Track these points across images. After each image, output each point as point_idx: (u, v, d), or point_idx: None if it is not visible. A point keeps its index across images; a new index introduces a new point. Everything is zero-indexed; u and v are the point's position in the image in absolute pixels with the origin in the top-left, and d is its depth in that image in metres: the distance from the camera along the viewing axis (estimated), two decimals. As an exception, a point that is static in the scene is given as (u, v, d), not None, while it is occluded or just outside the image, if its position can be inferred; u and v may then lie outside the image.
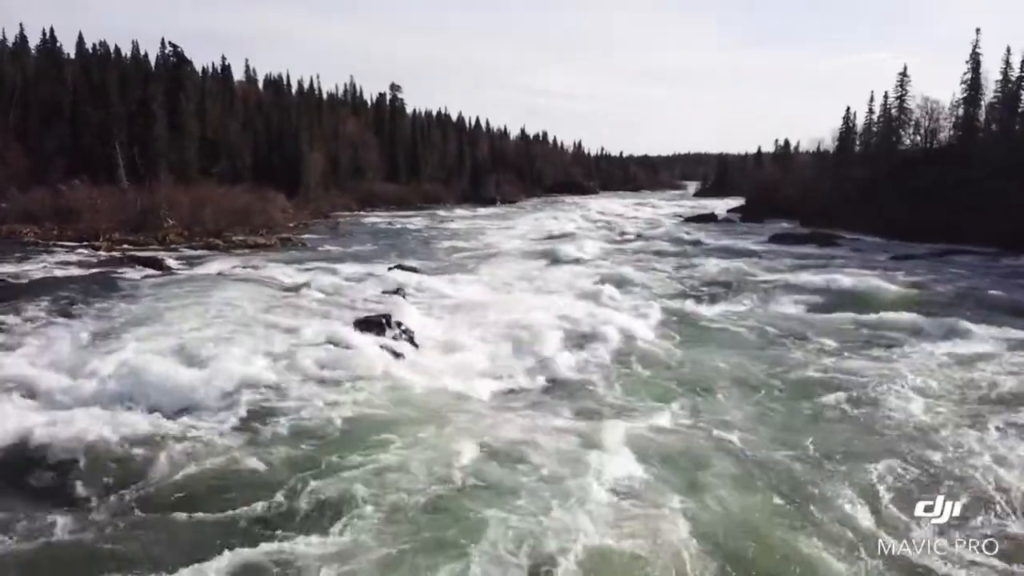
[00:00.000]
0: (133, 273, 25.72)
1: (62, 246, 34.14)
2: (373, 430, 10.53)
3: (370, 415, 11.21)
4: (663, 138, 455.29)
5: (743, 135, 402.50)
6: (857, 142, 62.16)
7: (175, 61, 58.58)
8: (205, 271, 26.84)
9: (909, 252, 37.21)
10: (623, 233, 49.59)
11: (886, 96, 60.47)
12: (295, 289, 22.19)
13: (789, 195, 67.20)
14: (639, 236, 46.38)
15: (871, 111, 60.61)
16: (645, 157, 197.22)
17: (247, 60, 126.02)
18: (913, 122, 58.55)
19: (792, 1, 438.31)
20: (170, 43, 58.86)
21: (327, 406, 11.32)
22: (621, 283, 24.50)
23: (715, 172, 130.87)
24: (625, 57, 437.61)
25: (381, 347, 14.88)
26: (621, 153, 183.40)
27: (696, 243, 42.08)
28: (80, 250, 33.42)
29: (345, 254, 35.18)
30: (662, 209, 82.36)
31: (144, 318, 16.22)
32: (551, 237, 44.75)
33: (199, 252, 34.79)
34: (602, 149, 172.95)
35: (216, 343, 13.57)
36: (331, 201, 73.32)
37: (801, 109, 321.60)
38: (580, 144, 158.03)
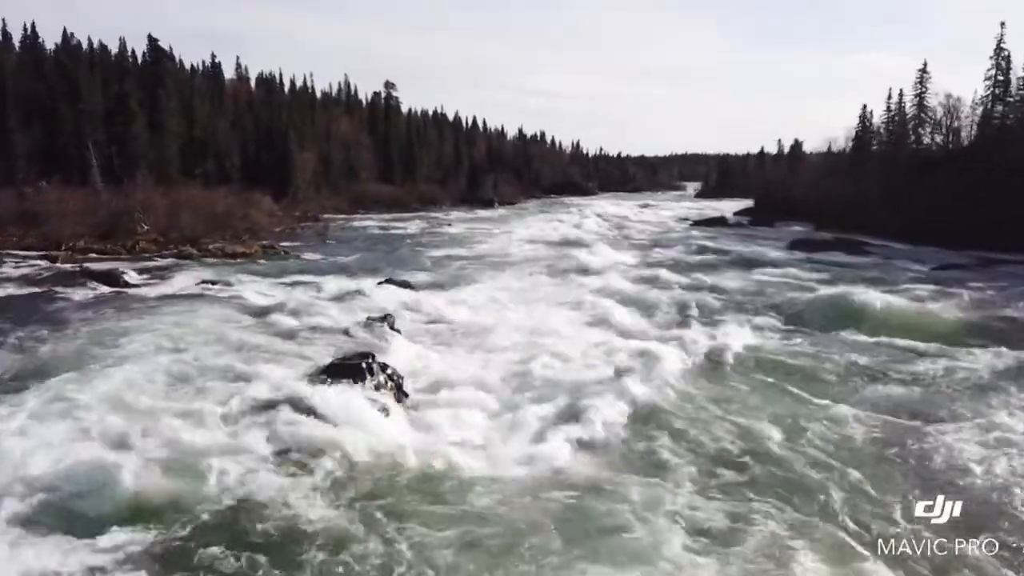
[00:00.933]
0: (82, 292, 22.09)
1: (15, 256, 30.49)
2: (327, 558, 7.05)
3: (325, 529, 7.73)
4: (660, 138, 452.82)
5: (742, 135, 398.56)
6: (874, 142, 58.71)
7: (154, 56, 54.66)
8: (166, 289, 23.26)
9: (948, 261, 33.89)
10: (633, 240, 46.10)
11: (901, 94, 57.15)
12: (264, 313, 18.67)
13: (800, 197, 63.86)
14: (652, 243, 42.87)
15: (889, 109, 57.18)
16: (642, 157, 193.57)
17: (238, 58, 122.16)
18: (933, 121, 55.17)
19: (791, 1, 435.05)
20: (149, 36, 55.00)
21: (258, 528, 7.80)
22: (646, 305, 20.99)
23: (716, 173, 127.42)
24: (623, 57, 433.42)
25: (359, 403, 11.40)
26: (619, 153, 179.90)
27: (714, 251, 38.57)
28: (36, 260, 29.79)
29: (330, 265, 31.62)
30: (667, 211, 78.87)
31: (56, 367, 12.66)
32: (557, 243, 41.23)
33: (169, 262, 31.18)
34: (600, 149, 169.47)
35: (132, 416, 10.01)
36: (322, 203, 69.73)
37: (801, 109, 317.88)
38: (578, 144, 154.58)
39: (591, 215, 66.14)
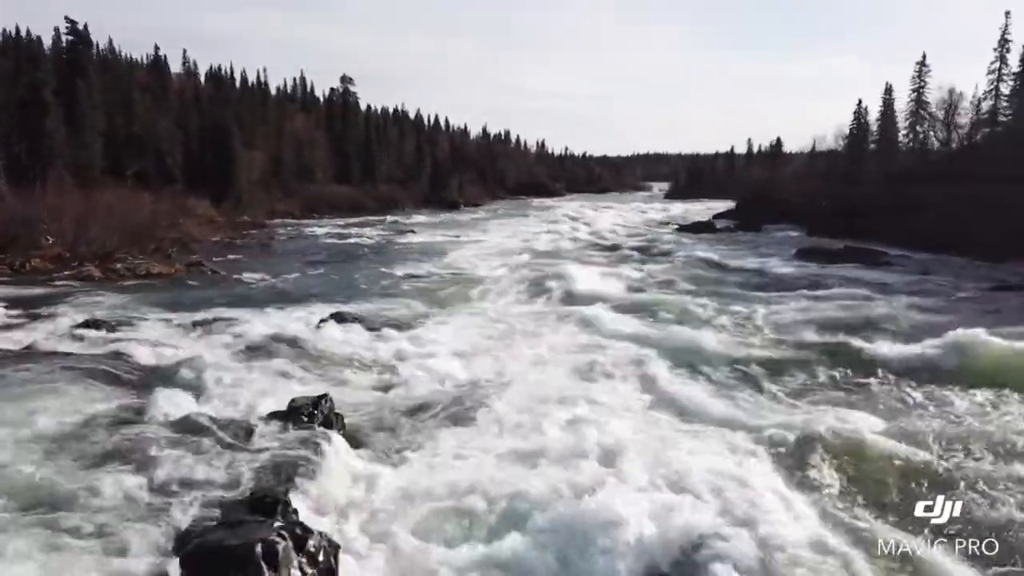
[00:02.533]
0: None
1: None
2: None
3: None
4: (621, 139, 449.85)
5: (703, 136, 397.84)
6: (869, 140, 54.09)
7: (72, 41, 47.30)
8: (22, 336, 16.79)
9: (993, 276, 28.91)
10: (617, 248, 40.48)
11: (889, 91, 52.63)
12: (138, 389, 12.43)
13: (789, 200, 59.14)
14: (643, 255, 37.19)
15: (885, 106, 52.56)
16: (605, 158, 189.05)
17: (185, 51, 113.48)
18: (933, 118, 50.73)
19: (753, 4, 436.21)
20: (66, 19, 47.55)
21: None
22: (680, 360, 15.15)
23: (686, 173, 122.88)
24: (584, 57, 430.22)
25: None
26: (584, 154, 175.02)
27: (714, 265, 33.08)
28: None
29: (266, 290, 25.28)
30: (643, 214, 73.58)
31: None
32: (537, 255, 35.37)
33: (61, 287, 24.51)
34: (566, 149, 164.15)
35: None
36: (272, 207, 62.99)
37: (764, 110, 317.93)
38: (543, 144, 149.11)
39: (565, 219, 60.55)
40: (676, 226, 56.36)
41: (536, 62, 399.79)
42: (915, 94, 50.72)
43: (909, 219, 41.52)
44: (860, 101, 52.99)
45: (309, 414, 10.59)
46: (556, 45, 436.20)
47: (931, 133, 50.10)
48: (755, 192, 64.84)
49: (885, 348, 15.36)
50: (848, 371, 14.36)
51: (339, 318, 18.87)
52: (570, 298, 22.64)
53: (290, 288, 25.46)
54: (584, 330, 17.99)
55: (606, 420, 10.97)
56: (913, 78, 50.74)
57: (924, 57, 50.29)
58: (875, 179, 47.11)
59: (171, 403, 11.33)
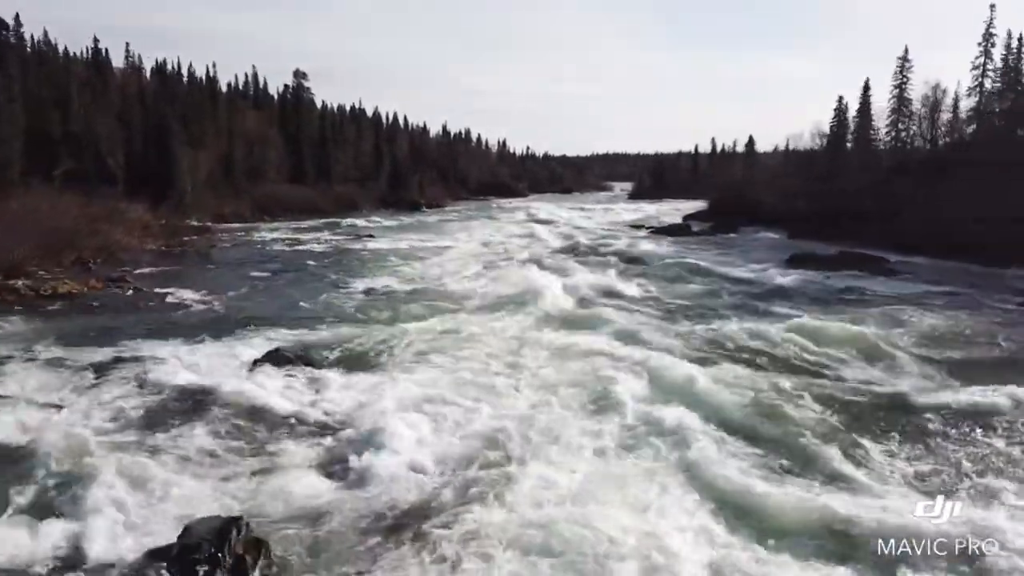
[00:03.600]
0: None
1: None
2: None
3: None
4: (579, 138, 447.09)
5: (660, 136, 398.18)
6: (849, 139, 51.50)
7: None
8: None
9: (1017, 287, 26.07)
10: (596, 252, 36.89)
11: (865, 89, 50.15)
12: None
13: (763, 200, 56.39)
14: (624, 260, 33.70)
15: (864, 103, 49.99)
16: (564, 157, 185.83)
17: (127, 44, 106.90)
18: (916, 115, 48.35)
19: (710, 6, 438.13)
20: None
21: None
22: (699, 408, 11.58)
23: (650, 173, 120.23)
24: (541, 57, 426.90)
25: None
26: (546, 154, 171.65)
27: (701, 273, 29.75)
28: None
29: (195, 312, 20.95)
30: (611, 215, 70.24)
31: None
32: (510, 263, 31.59)
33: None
34: (527, 149, 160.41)
35: None
36: (220, 209, 57.88)
37: (723, 111, 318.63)
38: (505, 143, 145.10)
39: (536, 222, 56.86)
40: (650, 228, 53.06)
41: (489, 62, 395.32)
42: (897, 90, 48.23)
43: (898, 221, 38.93)
44: (841, 98, 50.44)
45: (209, 557, 6.62)
46: (509, 45, 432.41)
47: (914, 131, 47.62)
48: (727, 192, 61.95)
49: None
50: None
51: (277, 358, 14.81)
52: (559, 323, 18.86)
53: (224, 310, 21.18)
54: (588, 375, 14.12)
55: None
56: (895, 73, 48.29)
57: (906, 52, 47.87)
58: (857, 179, 44.38)
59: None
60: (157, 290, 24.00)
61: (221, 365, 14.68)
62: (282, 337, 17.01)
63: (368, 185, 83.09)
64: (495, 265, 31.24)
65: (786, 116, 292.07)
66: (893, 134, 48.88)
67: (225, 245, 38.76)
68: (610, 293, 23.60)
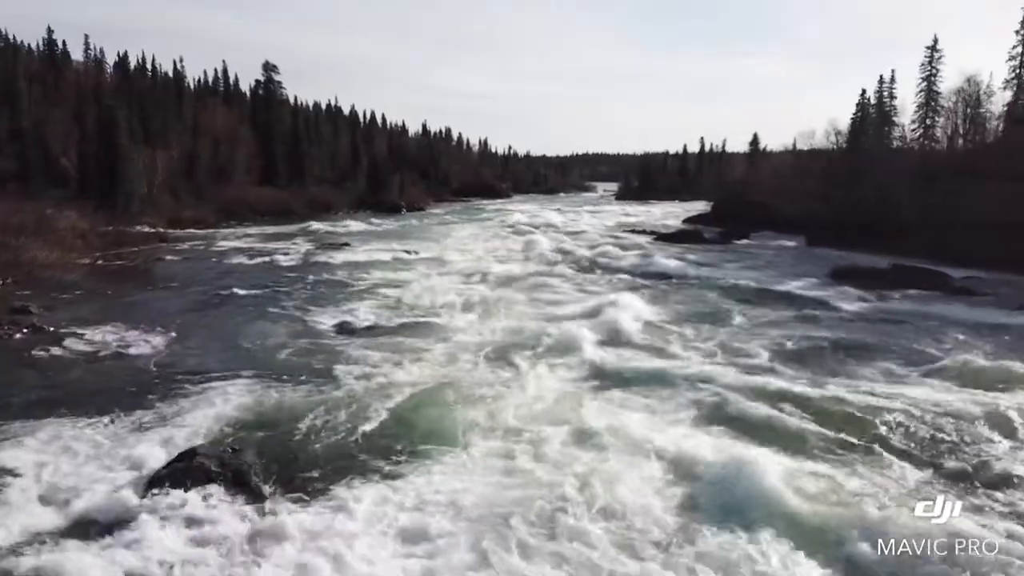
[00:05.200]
0: None
1: None
2: None
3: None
4: (556, 139, 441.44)
5: (640, 137, 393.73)
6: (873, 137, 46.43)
7: None
8: None
9: None
10: (608, 269, 31.38)
11: (882, 82, 45.19)
12: None
13: (773, 203, 51.34)
14: (640, 275, 28.26)
15: (886, 95, 44.99)
16: (544, 157, 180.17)
17: (87, 37, 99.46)
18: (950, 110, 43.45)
19: (686, 8, 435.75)
20: None
21: None
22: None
23: (638, 173, 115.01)
24: (519, 58, 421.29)
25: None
26: (528, 153, 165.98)
27: (738, 295, 24.40)
28: None
29: (100, 369, 14.93)
30: (606, 218, 64.83)
31: None
32: (513, 281, 25.98)
33: None
34: (509, 148, 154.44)
35: None
36: (180, 214, 51.49)
37: (700, 111, 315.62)
38: (486, 142, 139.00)
39: (530, 227, 51.18)
40: (655, 235, 47.63)
41: (461, 63, 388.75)
42: (925, 83, 43.31)
43: (940, 228, 33.92)
44: (864, 91, 45.30)
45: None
46: (481, 47, 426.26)
47: (949, 126, 42.74)
48: (732, 195, 56.81)
49: None
50: None
51: (190, 472, 9.07)
52: (606, 391, 13.27)
53: (142, 363, 15.27)
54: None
55: None
56: (923, 65, 43.34)
57: (936, 41, 42.92)
58: (884, 180, 39.25)
59: None
60: (65, 328, 17.97)
61: (104, 483, 8.99)
62: (209, 422, 11.22)
63: (345, 186, 76.84)
64: (496, 284, 25.59)
65: (763, 116, 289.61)
66: (921, 131, 43.93)
67: (174, 258, 32.57)
68: (654, 328, 18.08)
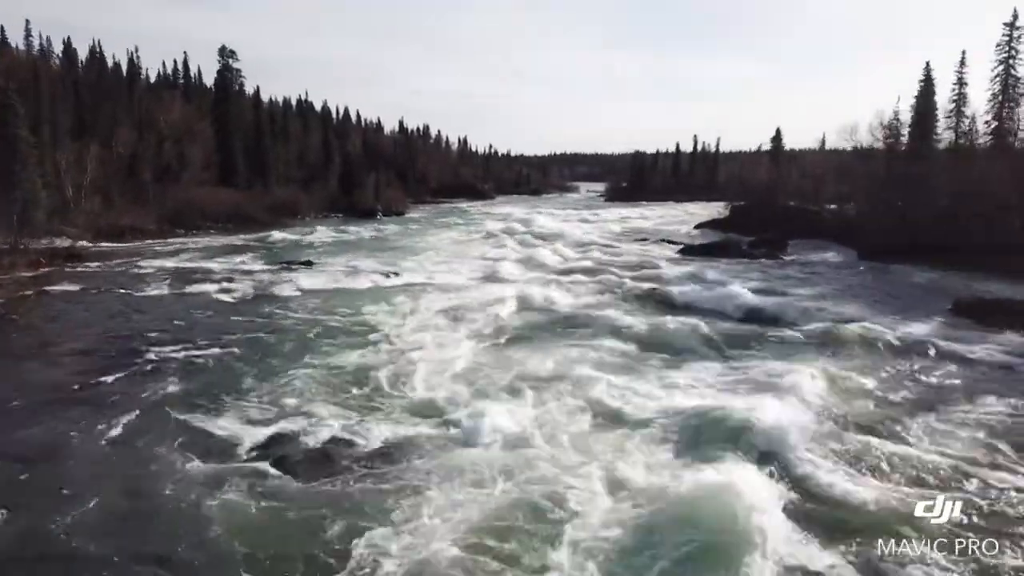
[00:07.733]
0: None
1: None
2: None
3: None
4: (533, 138, 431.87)
5: (620, 136, 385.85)
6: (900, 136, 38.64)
7: None
8: None
9: None
10: (636, 298, 22.96)
11: (961, 64, 37.46)
12: None
13: (811, 209, 43.51)
14: (689, 314, 19.78)
15: (961, 83, 37.21)
16: (522, 156, 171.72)
17: (27, 22, 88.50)
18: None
19: (663, 10, 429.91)
20: None
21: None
22: None
23: (629, 173, 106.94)
24: (495, 58, 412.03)
25: None
26: (508, 153, 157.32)
27: (873, 350, 16.32)
28: None
29: None
30: (604, 224, 56.55)
31: None
32: (522, 323, 17.56)
33: None
34: (490, 147, 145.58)
35: None
36: (114, 221, 42.21)
37: (685, 111, 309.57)
38: (466, 141, 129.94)
39: (528, 236, 42.73)
40: (675, 244, 39.36)
41: (435, 62, 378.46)
42: (1001, 67, 35.56)
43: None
44: (928, 73, 37.06)
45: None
46: (454, 46, 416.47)
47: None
48: (756, 198, 48.86)
49: None
50: None
51: None
52: None
53: None
54: None
55: None
56: (998, 46, 35.57)
57: (1015, 17, 35.14)
58: (986, 187, 31.28)
59: None
60: None
61: None
62: None
63: (315, 187, 67.47)
64: (527, 337, 17.09)
65: (749, 116, 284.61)
66: (995, 125, 36.22)
67: (68, 288, 23.41)
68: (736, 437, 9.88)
